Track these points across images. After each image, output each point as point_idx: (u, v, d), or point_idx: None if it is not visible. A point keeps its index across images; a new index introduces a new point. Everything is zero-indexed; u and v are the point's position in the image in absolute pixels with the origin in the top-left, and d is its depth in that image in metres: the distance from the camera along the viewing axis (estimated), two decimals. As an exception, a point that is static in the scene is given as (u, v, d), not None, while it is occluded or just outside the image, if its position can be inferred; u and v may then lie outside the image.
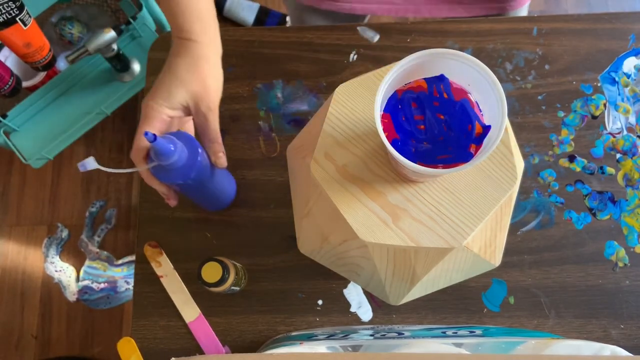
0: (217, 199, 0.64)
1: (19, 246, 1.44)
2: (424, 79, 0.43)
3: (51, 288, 1.40)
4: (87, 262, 1.40)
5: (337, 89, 0.49)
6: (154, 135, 0.48)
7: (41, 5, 1.06)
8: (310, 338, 0.55)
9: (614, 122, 0.69)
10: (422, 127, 0.43)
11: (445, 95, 0.42)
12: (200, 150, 0.53)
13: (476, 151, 0.42)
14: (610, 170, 0.67)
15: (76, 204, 1.45)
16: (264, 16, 1.53)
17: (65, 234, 1.43)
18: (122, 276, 1.39)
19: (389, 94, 0.43)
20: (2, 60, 1.17)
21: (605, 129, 0.69)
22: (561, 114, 0.69)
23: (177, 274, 0.66)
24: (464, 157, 0.42)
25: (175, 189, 0.56)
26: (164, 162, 0.50)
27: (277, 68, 0.72)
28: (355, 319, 0.64)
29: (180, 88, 0.53)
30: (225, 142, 0.70)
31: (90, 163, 0.48)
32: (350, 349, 0.50)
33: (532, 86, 0.71)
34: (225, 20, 1.57)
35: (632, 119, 0.69)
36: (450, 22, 0.72)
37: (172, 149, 0.50)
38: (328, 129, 0.47)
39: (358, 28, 0.73)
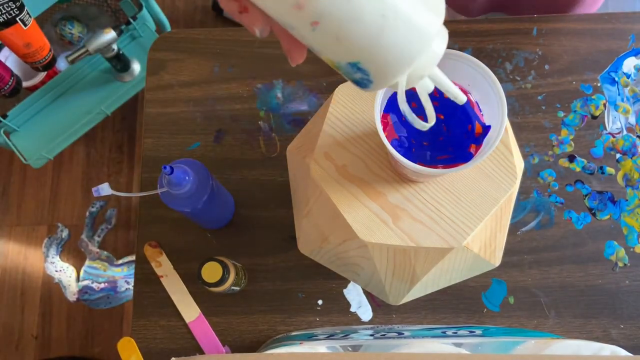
0: (217, 221, 0.65)
1: (19, 246, 1.44)
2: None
3: (51, 288, 1.40)
4: (87, 262, 1.40)
5: (337, 89, 0.49)
6: (172, 167, 0.50)
7: (41, 5, 1.06)
8: (310, 338, 0.55)
9: (614, 122, 0.69)
10: (422, 127, 0.43)
11: (445, 95, 0.42)
12: (210, 182, 0.55)
13: (476, 151, 0.42)
14: (610, 170, 0.67)
15: (76, 204, 1.45)
16: (264, 16, 1.53)
17: (65, 234, 1.43)
18: (122, 276, 1.39)
19: (389, 94, 0.43)
20: (2, 60, 1.17)
21: (605, 129, 0.69)
22: (561, 114, 0.69)
23: (177, 274, 0.66)
24: (464, 157, 0.42)
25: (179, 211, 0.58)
26: (176, 191, 0.53)
27: (277, 68, 0.72)
28: (355, 319, 0.64)
29: None
30: (225, 142, 0.70)
31: (105, 189, 0.50)
32: (350, 349, 0.50)
33: (532, 86, 0.71)
34: (225, 20, 1.57)
35: (632, 119, 0.69)
36: (450, 22, 0.72)
37: (186, 180, 0.52)
38: (328, 129, 0.47)
39: (358, 28, 0.73)
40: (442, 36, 0.30)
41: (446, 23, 0.30)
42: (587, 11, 0.79)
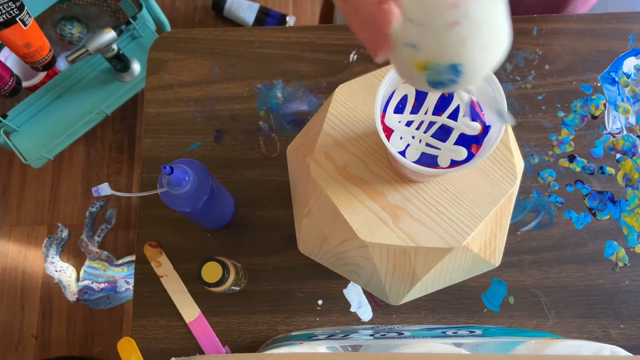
0: (217, 221, 0.65)
1: (19, 246, 1.44)
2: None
3: (51, 288, 1.40)
4: (87, 262, 1.40)
5: (337, 89, 0.49)
6: (171, 167, 0.50)
7: (41, 5, 1.06)
8: (310, 338, 0.55)
9: (614, 122, 0.69)
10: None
11: (445, 94, 0.42)
12: (210, 182, 0.55)
13: (476, 151, 0.42)
14: (610, 170, 0.67)
15: (76, 204, 1.45)
16: (264, 16, 1.53)
17: (65, 234, 1.43)
18: (122, 276, 1.39)
19: (388, 93, 0.43)
20: (2, 60, 1.17)
21: (605, 129, 0.69)
22: (561, 114, 0.69)
23: (177, 274, 0.66)
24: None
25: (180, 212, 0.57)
26: (176, 191, 0.52)
27: (277, 68, 0.73)
28: (355, 319, 0.64)
29: None
30: (225, 142, 0.70)
31: (105, 189, 0.50)
32: (350, 349, 0.50)
33: (532, 86, 0.71)
34: (225, 20, 1.57)
35: (632, 119, 0.69)
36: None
37: (186, 180, 0.52)
38: (328, 129, 0.47)
39: (358, 28, 0.73)
40: None
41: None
42: (580, 10, 0.79)
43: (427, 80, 0.31)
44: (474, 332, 0.56)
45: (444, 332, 0.56)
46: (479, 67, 0.30)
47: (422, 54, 0.30)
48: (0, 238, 1.45)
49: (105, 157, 1.48)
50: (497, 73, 0.70)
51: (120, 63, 1.16)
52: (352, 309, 0.64)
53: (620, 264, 0.64)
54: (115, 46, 1.10)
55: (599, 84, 0.70)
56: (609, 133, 0.69)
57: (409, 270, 0.49)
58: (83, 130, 1.23)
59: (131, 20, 1.18)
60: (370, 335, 0.55)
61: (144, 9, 1.19)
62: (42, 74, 1.26)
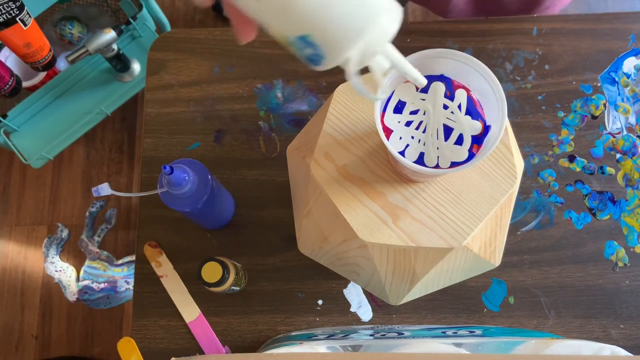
0: (217, 221, 0.65)
1: (19, 246, 1.44)
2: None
3: (51, 288, 1.40)
4: (87, 262, 1.40)
5: (337, 89, 0.49)
6: (171, 167, 0.50)
7: (41, 5, 1.06)
8: (310, 338, 0.55)
9: (614, 122, 0.69)
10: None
11: (447, 93, 0.42)
12: (210, 182, 0.55)
13: (476, 151, 0.42)
14: (610, 170, 0.67)
15: (76, 204, 1.45)
16: (264, 16, 1.53)
17: (65, 234, 1.43)
18: (122, 276, 1.39)
19: (389, 93, 0.43)
20: (2, 60, 1.17)
21: (605, 129, 0.69)
22: (561, 114, 0.69)
23: (177, 274, 0.66)
24: (464, 157, 0.42)
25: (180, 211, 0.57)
26: (176, 191, 0.53)
27: (277, 68, 0.72)
28: (355, 319, 0.64)
29: None
30: (225, 142, 0.70)
31: (105, 189, 0.50)
32: (350, 349, 0.50)
33: (532, 86, 0.71)
34: (225, 20, 1.57)
35: (632, 119, 0.69)
36: (450, 22, 0.72)
37: (186, 180, 0.52)
38: (328, 129, 0.47)
39: (358, 28, 0.73)
40: (392, 14, 0.30)
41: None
42: (557, 6, 0.79)
43: (299, 56, 0.30)
44: (474, 332, 0.56)
45: (444, 332, 0.56)
46: (333, 36, 0.28)
47: (272, 30, 0.29)
48: (0, 238, 1.45)
49: (105, 157, 1.48)
50: (497, 73, 0.70)
51: (120, 63, 1.16)
52: (352, 309, 0.64)
53: (620, 264, 0.64)
54: (115, 46, 1.10)
55: (599, 84, 0.70)
56: (609, 133, 0.69)
57: (409, 270, 0.49)
58: (83, 130, 1.23)
59: (131, 20, 1.18)
60: (370, 335, 0.55)
61: (144, 9, 1.19)
62: (42, 74, 1.26)
